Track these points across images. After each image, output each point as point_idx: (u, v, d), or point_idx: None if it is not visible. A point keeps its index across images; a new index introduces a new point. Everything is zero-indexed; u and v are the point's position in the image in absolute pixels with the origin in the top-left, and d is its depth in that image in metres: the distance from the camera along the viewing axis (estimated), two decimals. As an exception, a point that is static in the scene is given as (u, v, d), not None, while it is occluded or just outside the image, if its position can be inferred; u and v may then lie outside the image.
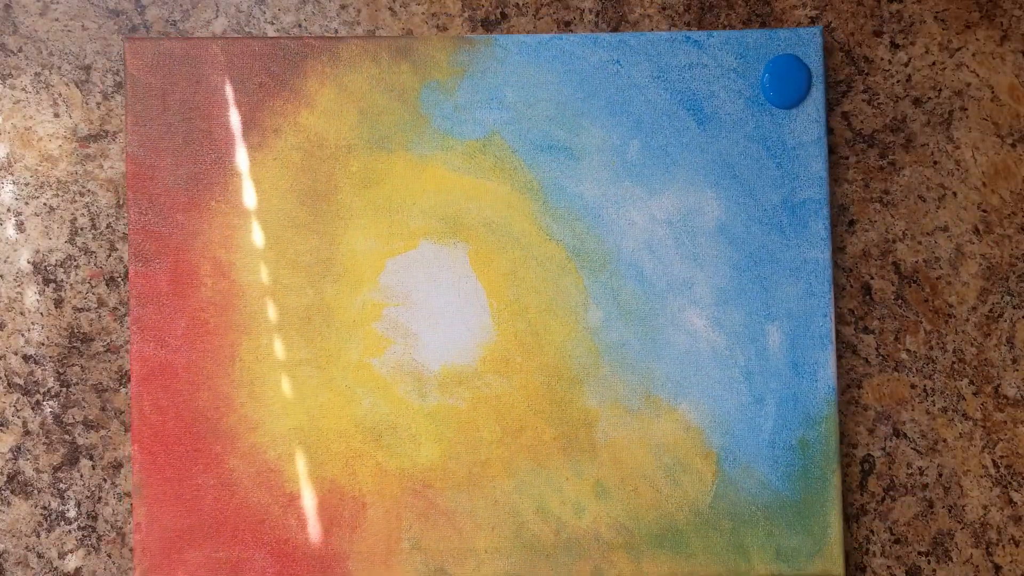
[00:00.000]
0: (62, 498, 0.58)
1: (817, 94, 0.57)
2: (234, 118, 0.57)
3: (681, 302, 0.57)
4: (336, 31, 0.59)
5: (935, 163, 0.59)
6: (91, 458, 0.58)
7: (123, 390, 0.58)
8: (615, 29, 0.59)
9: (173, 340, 0.56)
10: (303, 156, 0.57)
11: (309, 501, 0.56)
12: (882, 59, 0.60)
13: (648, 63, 0.57)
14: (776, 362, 0.57)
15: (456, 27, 0.59)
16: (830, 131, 0.60)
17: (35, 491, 0.58)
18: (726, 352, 0.57)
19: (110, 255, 0.58)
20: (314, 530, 0.56)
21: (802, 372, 0.57)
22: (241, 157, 0.57)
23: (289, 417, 0.56)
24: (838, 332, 0.59)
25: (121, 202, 0.58)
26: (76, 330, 0.58)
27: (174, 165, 0.57)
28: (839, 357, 0.59)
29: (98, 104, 0.59)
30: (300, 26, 0.59)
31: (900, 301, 0.59)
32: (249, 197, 0.57)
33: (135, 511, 0.56)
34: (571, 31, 0.59)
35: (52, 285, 0.58)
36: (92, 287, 0.58)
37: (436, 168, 0.57)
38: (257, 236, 0.57)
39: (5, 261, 0.58)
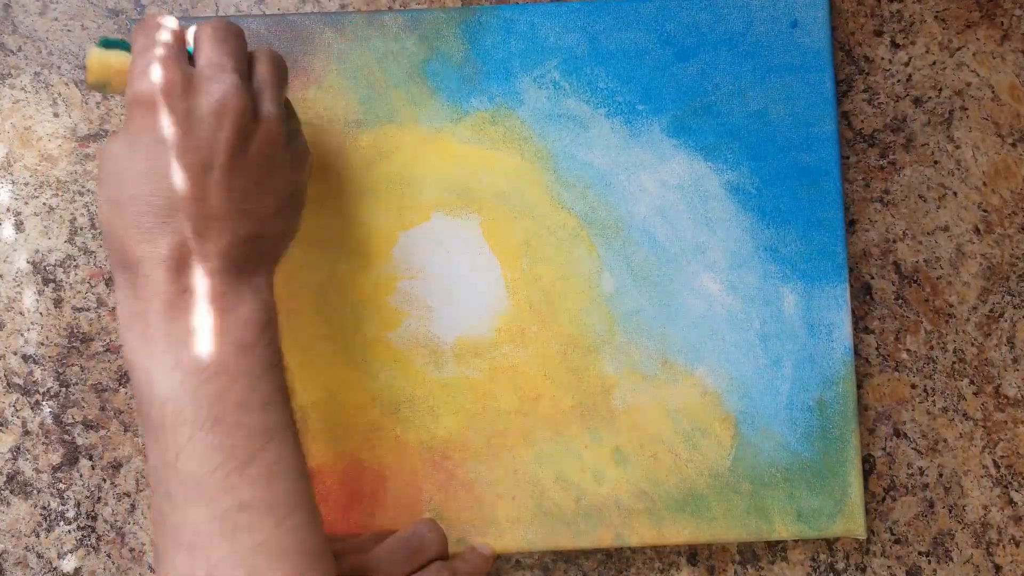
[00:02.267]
0: (62, 498, 0.58)
1: (824, 56, 0.57)
2: (242, 96, 0.57)
3: (695, 267, 0.57)
4: (341, 7, 0.59)
5: (935, 163, 0.59)
6: (91, 458, 0.58)
7: (123, 390, 0.58)
8: None
9: (188, 319, 0.56)
10: (312, 132, 0.57)
11: (329, 476, 0.56)
12: (882, 59, 0.59)
13: (656, 29, 0.57)
14: (792, 324, 0.57)
15: None
16: None
17: (35, 491, 0.58)
18: (741, 315, 0.57)
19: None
20: (335, 505, 0.56)
21: (818, 333, 0.57)
22: (250, 135, 0.57)
23: (307, 393, 0.56)
24: None
25: None
26: (76, 330, 0.58)
27: (184, 145, 0.57)
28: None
29: (98, 104, 0.59)
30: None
31: (900, 301, 0.59)
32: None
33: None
34: (576, 0, 0.59)
35: (52, 285, 0.58)
36: (92, 287, 0.58)
37: (446, 140, 0.57)
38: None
39: (4, 261, 0.58)
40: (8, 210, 0.58)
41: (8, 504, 0.58)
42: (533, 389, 0.57)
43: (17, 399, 0.58)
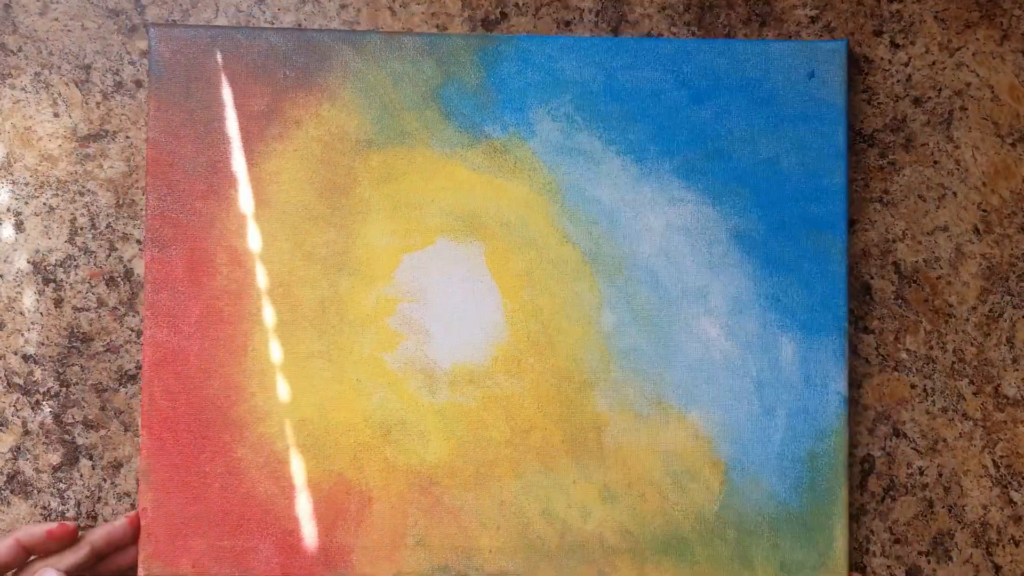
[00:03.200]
0: (62, 498, 0.58)
1: (839, 109, 0.57)
2: (256, 108, 0.57)
3: (695, 310, 0.57)
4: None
5: (935, 163, 0.59)
6: (91, 458, 0.58)
7: (123, 390, 0.58)
8: (615, 29, 0.59)
9: (186, 327, 0.56)
10: (323, 149, 0.57)
11: (315, 493, 0.56)
12: (882, 59, 0.60)
13: (673, 70, 0.57)
14: (788, 373, 0.57)
15: (456, 27, 0.59)
16: None
17: (35, 491, 0.58)
18: (738, 361, 0.57)
19: (110, 255, 0.58)
20: (319, 523, 0.56)
21: (813, 384, 0.57)
22: (262, 147, 0.57)
23: (298, 409, 0.56)
24: None
25: (121, 202, 0.58)
26: (76, 330, 0.58)
27: (194, 152, 0.57)
28: None
29: (98, 104, 0.59)
30: (299, 25, 0.59)
31: (900, 301, 0.59)
32: (268, 188, 0.57)
33: (141, 496, 0.56)
34: (571, 31, 0.59)
35: (52, 285, 0.58)
36: (92, 287, 0.58)
37: (455, 166, 0.57)
38: (274, 227, 0.57)
39: (5, 261, 0.58)
40: (8, 210, 0.58)
41: (8, 504, 0.58)
42: (525, 420, 0.57)
43: (17, 399, 0.58)
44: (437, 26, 0.59)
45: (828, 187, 0.57)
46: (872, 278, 0.59)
